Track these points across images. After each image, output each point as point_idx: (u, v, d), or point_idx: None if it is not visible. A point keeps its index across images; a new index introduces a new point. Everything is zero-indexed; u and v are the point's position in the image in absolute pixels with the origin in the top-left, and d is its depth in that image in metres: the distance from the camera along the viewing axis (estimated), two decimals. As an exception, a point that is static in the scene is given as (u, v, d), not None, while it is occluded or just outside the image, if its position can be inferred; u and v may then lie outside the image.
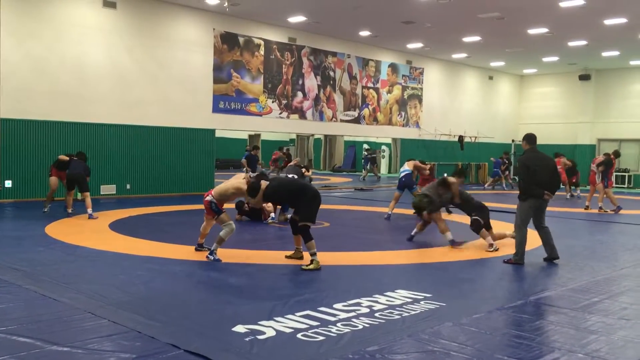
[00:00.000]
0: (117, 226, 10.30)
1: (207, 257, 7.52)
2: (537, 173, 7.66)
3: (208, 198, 7.66)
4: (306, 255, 7.40)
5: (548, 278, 7.14)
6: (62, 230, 9.68)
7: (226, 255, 7.81)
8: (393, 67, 22.73)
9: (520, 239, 7.77)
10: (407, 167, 12.88)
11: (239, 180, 7.64)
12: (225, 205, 7.78)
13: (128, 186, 15.51)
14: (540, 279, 7.08)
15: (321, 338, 4.52)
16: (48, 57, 13.96)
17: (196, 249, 8.06)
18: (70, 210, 11.61)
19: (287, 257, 7.78)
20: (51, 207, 11.93)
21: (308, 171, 12.80)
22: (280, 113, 18.89)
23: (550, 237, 7.95)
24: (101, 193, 14.71)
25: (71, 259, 7.41)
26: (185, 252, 7.99)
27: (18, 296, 5.57)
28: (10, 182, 13.56)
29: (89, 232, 9.66)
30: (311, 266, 7.12)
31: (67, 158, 11.64)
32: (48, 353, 4.10)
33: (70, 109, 14.35)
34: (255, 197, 7.36)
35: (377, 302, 5.61)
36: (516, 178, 22.83)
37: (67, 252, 7.85)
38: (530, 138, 7.98)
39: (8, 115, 13.37)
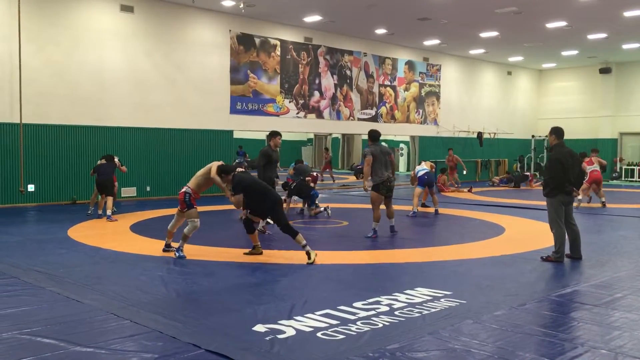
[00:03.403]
0: (138, 228, 10.40)
1: (174, 252, 7.70)
2: (569, 169, 7.54)
3: (184, 189, 7.87)
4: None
5: (570, 274, 7.06)
6: (84, 232, 9.81)
7: (246, 255, 7.86)
8: (410, 65, 22.63)
9: (560, 235, 7.59)
10: (426, 166, 13.25)
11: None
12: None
13: (148, 188, 15.65)
14: (562, 275, 6.99)
15: (341, 337, 4.52)
16: (67, 62, 14.14)
17: (164, 250, 8.07)
18: (100, 212, 11.85)
19: (245, 254, 7.85)
20: (77, 210, 12.16)
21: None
22: (298, 113, 18.92)
23: (578, 236, 7.78)
24: (122, 195, 14.85)
25: (93, 261, 7.50)
26: (204, 253, 8.04)
27: (42, 298, 5.65)
28: (33, 186, 13.77)
29: (111, 234, 9.78)
30: (312, 257, 7.34)
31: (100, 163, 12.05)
32: (72, 354, 4.16)
33: (89, 113, 14.53)
34: (225, 179, 7.63)
35: (396, 300, 5.59)
36: (537, 174, 22.67)
37: (89, 254, 7.96)
38: (558, 132, 7.77)
39: (29, 120, 13.58)
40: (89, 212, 12.05)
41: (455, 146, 24.42)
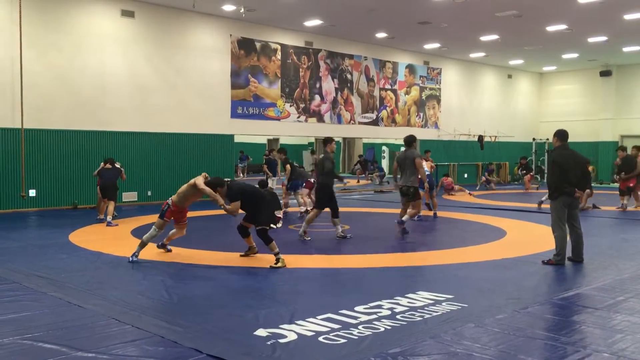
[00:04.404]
0: (139, 233, 10.36)
1: (130, 258, 7.74)
2: (569, 171, 7.54)
3: (167, 201, 7.98)
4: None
5: (572, 277, 7.05)
6: (85, 237, 9.81)
7: (247, 259, 7.86)
8: (410, 68, 22.65)
9: (561, 238, 7.58)
10: (426, 167, 13.16)
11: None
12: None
13: (149, 193, 15.66)
14: (564, 279, 6.99)
15: (343, 341, 4.51)
16: (68, 67, 14.17)
17: (158, 247, 8.34)
18: (101, 217, 11.85)
19: (241, 255, 7.99)
20: (78, 215, 12.29)
21: None
22: (299, 117, 18.94)
23: (581, 240, 7.78)
24: (123, 200, 14.85)
25: (95, 266, 7.50)
26: (205, 257, 8.04)
27: (43, 303, 5.65)
28: (34, 191, 13.78)
29: (112, 239, 9.78)
30: (279, 264, 7.35)
31: (103, 166, 11.98)
32: (73, 359, 4.16)
33: (90, 117, 14.55)
34: (216, 191, 7.66)
35: (398, 304, 5.59)
36: (538, 177, 22.71)
37: (91, 259, 7.96)
38: (561, 134, 7.80)
39: (30, 125, 13.60)
40: (99, 217, 12.05)
41: (457, 150, 24.44)
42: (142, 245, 7.83)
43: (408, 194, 10.20)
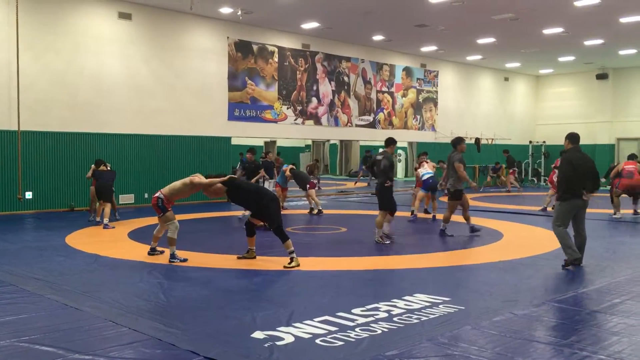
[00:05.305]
0: (136, 235, 10.39)
1: (170, 261, 7.73)
2: (582, 173, 7.55)
3: (156, 195, 7.99)
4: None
5: (569, 279, 7.06)
6: (82, 240, 9.79)
7: (244, 262, 7.87)
8: (407, 71, 22.69)
9: (560, 236, 7.57)
10: (429, 169, 13.13)
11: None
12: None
13: (146, 195, 15.62)
14: (561, 281, 7.00)
15: (340, 343, 4.52)
16: (66, 69, 14.16)
17: (149, 253, 8.23)
18: (98, 219, 11.83)
19: (239, 257, 8.04)
20: (74, 217, 12.31)
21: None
22: (296, 119, 18.95)
23: (584, 244, 7.79)
24: (120, 202, 14.83)
25: (91, 268, 7.49)
26: (202, 259, 8.03)
27: (40, 306, 5.64)
28: (30, 193, 13.76)
29: (109, 241, 9.76)
30: (293, 264, 7.43)
31: (95, 168, 11.91)
32: (70, 361, 4.16)
33: (88, 119, 14.53)
34: (213, 184, 7.71)
35: (395, 306, 5.59)
36: (534, 180, 22.72)
37: (88, 261, 7.94)
38: (573, 137, 7.83)
39: (27, 127, 13.58)
40: (90, 219, 12.06)
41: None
42: (174, 242, 7.85)
43: (449, 194, 10.54)
